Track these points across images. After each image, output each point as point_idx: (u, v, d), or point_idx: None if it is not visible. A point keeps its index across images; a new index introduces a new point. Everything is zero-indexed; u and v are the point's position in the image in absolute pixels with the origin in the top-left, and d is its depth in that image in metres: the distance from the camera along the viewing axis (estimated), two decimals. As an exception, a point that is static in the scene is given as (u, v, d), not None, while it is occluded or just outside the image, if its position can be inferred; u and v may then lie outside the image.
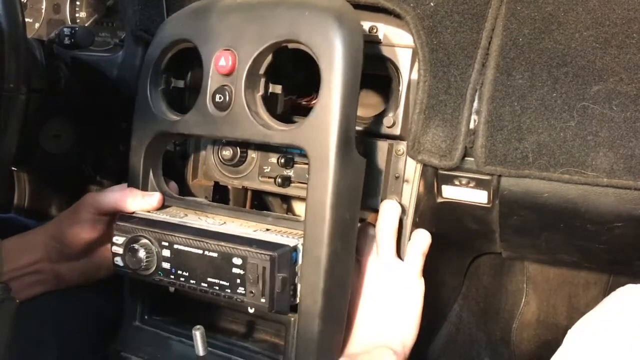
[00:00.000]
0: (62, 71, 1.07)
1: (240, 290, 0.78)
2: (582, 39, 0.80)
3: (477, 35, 0.84)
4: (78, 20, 1.16)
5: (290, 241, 0.79)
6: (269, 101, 0.84)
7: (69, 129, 1.20)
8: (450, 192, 0.91)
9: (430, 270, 1.05)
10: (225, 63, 0.82)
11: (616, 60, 0.79)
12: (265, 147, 0.94)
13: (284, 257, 0.77)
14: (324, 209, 0.77)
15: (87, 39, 1.03)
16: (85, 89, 1.10)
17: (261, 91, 0.83)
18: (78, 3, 1.16)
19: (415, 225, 0.91)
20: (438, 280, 1.15)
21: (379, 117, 0.90)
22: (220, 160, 0.96)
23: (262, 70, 0.82)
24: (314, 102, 0.97)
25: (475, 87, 0.83)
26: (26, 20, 0.88)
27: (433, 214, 0.95)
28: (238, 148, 0.94)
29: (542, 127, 0.81)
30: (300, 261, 0.79)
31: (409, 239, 0.89)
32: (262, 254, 0.76)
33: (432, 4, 0.85)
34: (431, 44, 0.85)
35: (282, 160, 0.91)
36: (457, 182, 0.89)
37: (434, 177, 0.90)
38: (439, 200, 0.92)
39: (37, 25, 1.16)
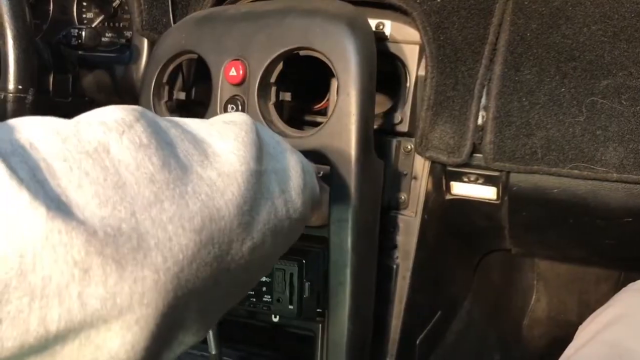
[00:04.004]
0: (70, 72, 1.07)
1: (267, 298, 0.78)
2: (590, 33, 0.79)
3: (484, 31, 0.83)
4: (85, 21, 1.16)
5: (313, 246, 0.79)
6: (276, 108, 0.83)
7: (77, 129, 1.20)
8: (459, 189, 0.91)
9: (440, 267, 1.05)
10: (236, 73, 0.81)
11: (625, 54, 0.78)
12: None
13: (311, 263, 0.77)
14: (348, 213, 0.77)
15: (94, 40, 1.03)
16: (92, 90, 1.10)
17: (273, 99, 0.82)
18: (85, 4, 1.16)
19: (424, 222, 0.90)
20: (448, 278, 1.15)
21: (386, 115, 0.90)
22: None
23: (273, 79, 0.82)
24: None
25: (483, 82, 0.83)
26: (33, 21, 0.88)
27: (442, 211, 0.94)
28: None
29: (551, 123, 0.80)
30: (325, 266, 0.79)
31: (417, 238, 0.89)
32: (290, 260, 0.76)
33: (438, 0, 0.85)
34: (438, 40, 0.85)
35: None
36: (465, 179, 0.88)
37: (442, 174, 0.89)
38: (448, 197, 0.92)
39: (44, 26, 1.16)
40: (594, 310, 0.75)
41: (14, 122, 0.44)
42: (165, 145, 0.47)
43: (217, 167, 0.50)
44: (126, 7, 1.10)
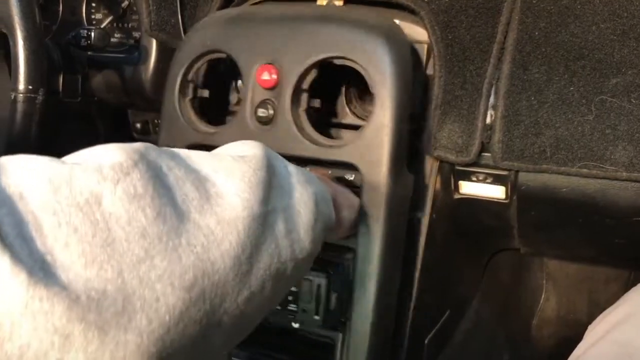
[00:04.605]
0: (79, 72, 1.08)
1: (292, 307, 0.78)
2: (599, 32, 0.79)
3: (492, 30, 0.83)
4: (94, 22, 1.16)
5: (339, 258, 0.78)
6: (307, 114, 0.83)
7: (86, 130, 1.20)
8: (468, 188, 0.91)
9: (448, 267, 1.04)
10: (269, 77, 0.81)
11: (635, 52, 0.78)
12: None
13: (338, 275, 0.78)
14: (377, 226, 0.77)
15: (103, 40, 1.04)
16: (101, 90, 1.11)
17: (304, 106, 0.82)
18: (94, 5, 1.16)
19: (432, 222, 0.90)
20: (456, 277, 1.14)
21: (394, 114, 0.90)
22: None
23: (306, 85, 0.81)
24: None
25: (492, 81, 0.83)
26: (43, 22, 0.89)
27: (450, 211, 0.94)
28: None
29: (560, 122, 0.80)
30: (350, 276, 0.79)
31: (425, 237, 0.89)
32: (318, 271, 0.76)
33: (446, -2, 0.85)
34: (446, 39, 0.85)
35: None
36: (474, 178, 0.88)
37: (450, 173, 0.89)
38: (456, 196, 0.92)
39: (53, 27, 1.17)
40: (603, 309, 0.74)
41: (6, 163, 0.42)
42: (162, 192, 0.45)
43: (217, 211, 0.48)
44: (135, 8, 1.10)
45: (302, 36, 0.81)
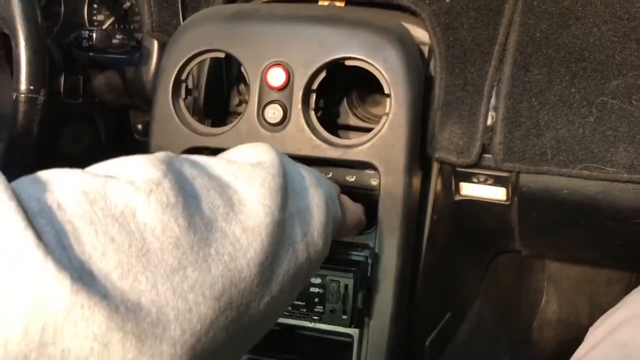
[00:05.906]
0: (80, 73, 1.08)
1: (318, 308, 0.78)
2: (600, 34, 0.79)
3: (493, 31, 0.83)
4: (96, 23, 1.16)
5: (358, 256, 0.79)
6: (316, 115, 0.83)
7: (87, 131, 1.20)
8: (469, 190, 0.91)
9: (450, 268, 1.04)
10: (278, 78, 0.79)
11: (636, 54, 0.78)
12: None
13: (363, 273, 0.78)
14: (397, 221, 0.78)
15: (105, 42, 1.04)
16: (103, 91, 1.11)
17: (313, 106, 0.81)
18: (96, 6, 1.16)
19: (433, 223, 0.90)
20: (457, 279, 1.14)
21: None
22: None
23: (315, 86, 0.81)
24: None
25: (493, 83, 0.83)
26: (45, 23, 0.89)
27: (451, 212, 0.94)
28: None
29: (561, 123, 0.80)
30: (368, 274, 0.80)
31: (426, 237, 0.89)
32: (344, 271, 0.76)
33: (447, 0, 0.85)
34: (447, 40, 0.85)
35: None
36: (475, 180, 0.88)
37: (451, 175, 0.89)
38: (457, 198, 0.92)
39: (55, 28, 1.17)
40: (605, 312, 0.74)
41: (42, 176, 0.43)
42: (191, 201, 0.46)
43: (242, 219, 0.49)
44: (136, 9, 1.10)
45: (312, 36, 0.80)
